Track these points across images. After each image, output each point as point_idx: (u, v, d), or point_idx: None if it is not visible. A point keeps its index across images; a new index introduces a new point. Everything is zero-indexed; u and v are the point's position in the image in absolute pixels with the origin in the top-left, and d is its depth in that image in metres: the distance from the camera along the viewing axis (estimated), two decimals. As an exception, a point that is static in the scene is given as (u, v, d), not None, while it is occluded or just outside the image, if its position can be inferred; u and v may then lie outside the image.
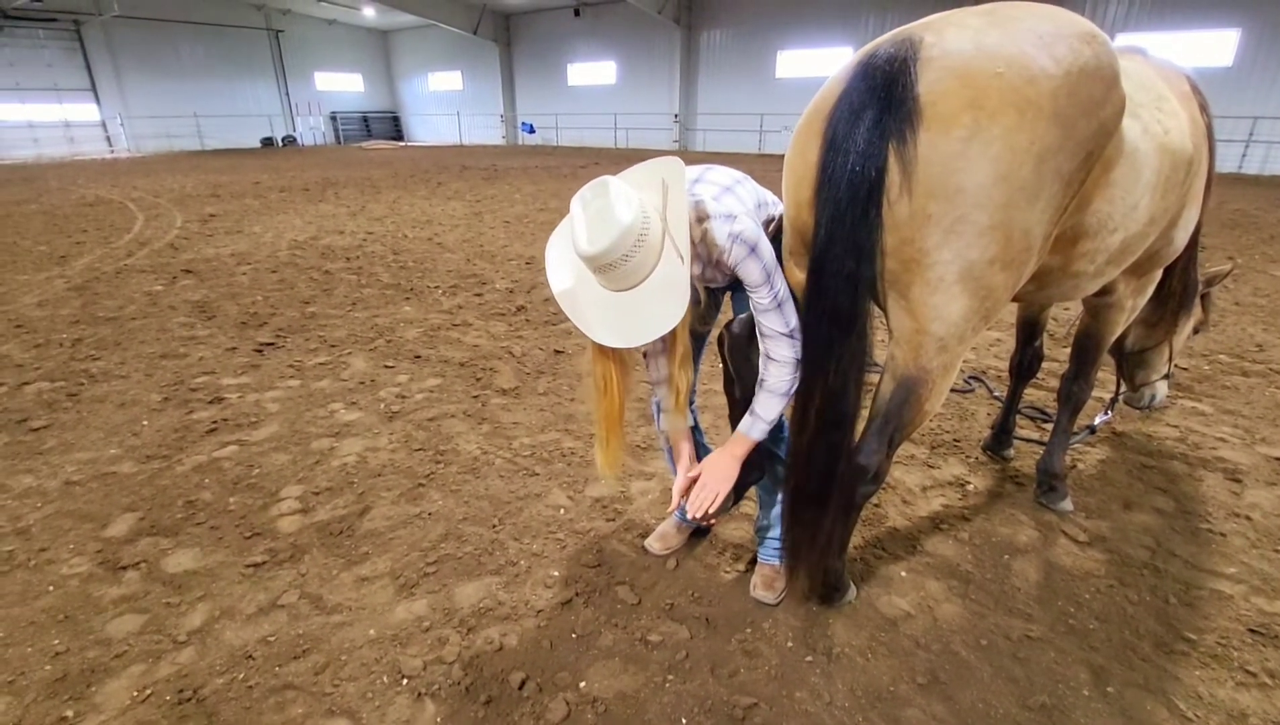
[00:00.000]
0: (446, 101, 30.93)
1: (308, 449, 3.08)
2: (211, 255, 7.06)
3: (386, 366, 4.05)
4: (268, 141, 27.77)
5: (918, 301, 1.52)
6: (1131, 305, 2.31)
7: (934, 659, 1.90)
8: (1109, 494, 2.72)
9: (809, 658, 1.90)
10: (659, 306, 1.51)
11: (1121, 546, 2.39)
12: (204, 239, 7.91)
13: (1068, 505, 2.59)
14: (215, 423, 3.31)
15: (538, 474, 2.87)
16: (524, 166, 17.30)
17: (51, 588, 2.18)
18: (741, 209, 1.64)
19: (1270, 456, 2.97)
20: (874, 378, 1.72)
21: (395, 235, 8.16)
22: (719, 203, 1.63)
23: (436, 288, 5.82)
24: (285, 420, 3.35)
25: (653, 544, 2.36)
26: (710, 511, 1.77)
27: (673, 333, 1.64)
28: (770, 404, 1.71)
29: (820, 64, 20.01)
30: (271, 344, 4.42)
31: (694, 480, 1.92)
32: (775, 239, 1.75)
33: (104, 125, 24.04)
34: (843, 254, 1.45)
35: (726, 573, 2.26)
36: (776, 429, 2.02)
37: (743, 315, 1.88)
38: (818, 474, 1.69)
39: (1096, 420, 2.96)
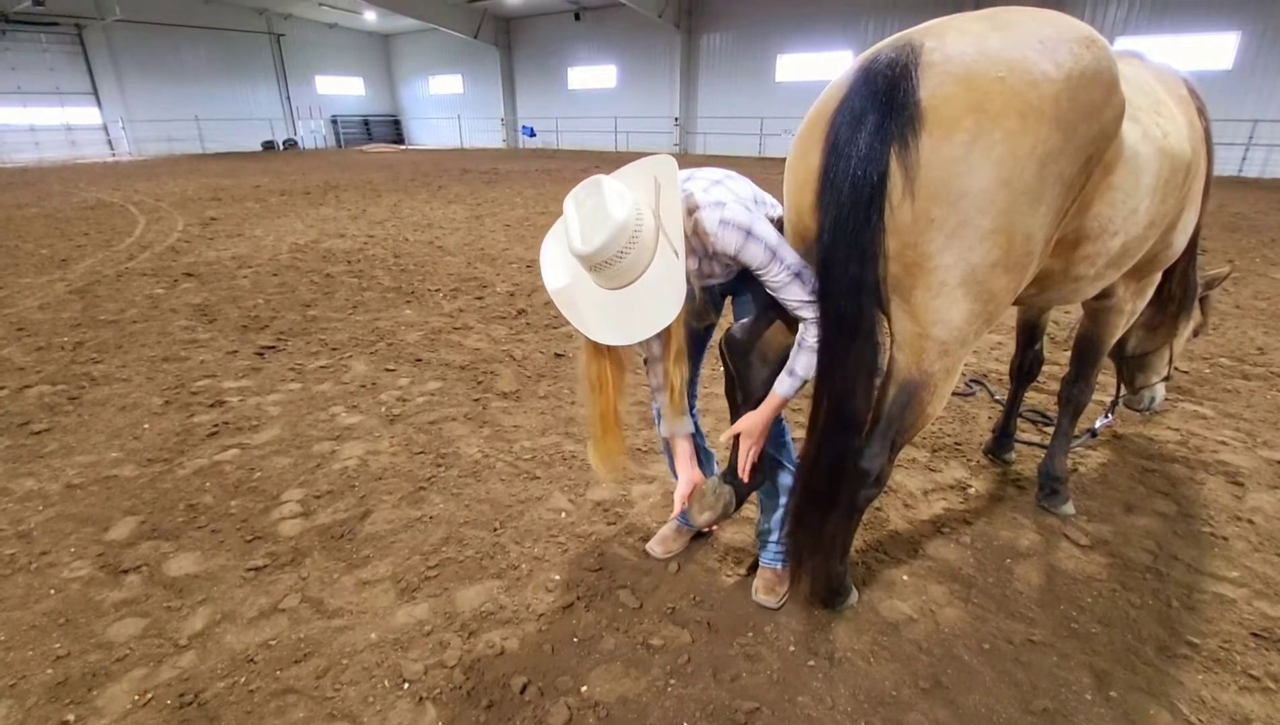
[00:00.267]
0: (447, 105, 30.98)
1: (309, 452, 3.07)
2: (213, 258, 7.07)
3: (387, 370, 4.05)
4: (269, 145, 27.81)
5: (920, 305, 1.52)
6: (1131, 308, 2.31)
7: (936, 663, 1.89)
8: (1111, 497, 2.72)
9: (811, 662, 1.90)
10: (654, 303, 1.51)
11: (1123, 550, 2.39)
12: (205, 242, 7.92)
13: (1069, 509, 2.58)
14: (216, 426, 3.31)
15: (539, 477, 2.87)
16: (524, 170, 17.32)
17: (53, 591, 2.18)
18: (731, 198, 1.63)
19: (1272, 460, 2.97)
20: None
21: (396, 238, 8.17)
22: (708, 194, 1.62)
23: (437, 291, 5.83)
24: (286, 423, 3.36)
25: (654, 548, 2.35)
26: (752, 467, 1.80)
27: (668, 330, 1.64)
28: (809, 362, 1.68)
29: (820, 68, 20.04)
30: (272, 347, 4.42)
31: (696, 486, 1.92)
32: None
33: (105, 129, 24.08)
34: (846, 258, 1.46)
35: (728, 576, 2.25)
36: (778, 434, 2.02)
37: (744, 320, 1.88)
38: (826, 477, 1.68)
39: (1097, 424, 2.95)
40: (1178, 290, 2.55)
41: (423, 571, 2.27)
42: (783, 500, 2.09)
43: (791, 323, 1.76)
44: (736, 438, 1.83)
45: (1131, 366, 2.92)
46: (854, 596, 2.09)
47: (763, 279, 1.63)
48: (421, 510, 2.63)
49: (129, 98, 24.21)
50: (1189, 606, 2.11)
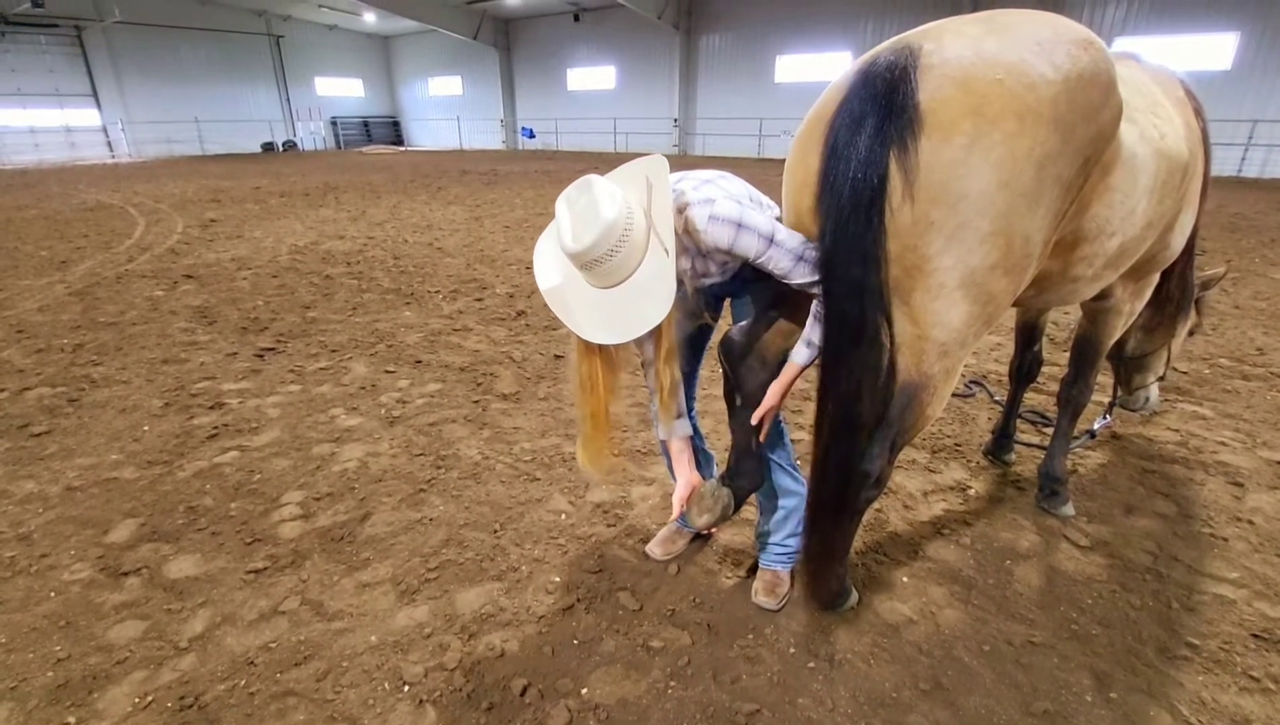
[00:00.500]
0: (446, 106, 31.00)
1: (308, 454, 3.07)
2: (212, 260, 7.07)
3: (387, 371, 4.05)
4: (268, 146, 27.82)
5: (919, 307, 1.52)
6: (1129, 309, 2.32)
7: (937, 665, 1.89)
8: (1110, 498, 2.72)
9: (811, 664, 1.90)
10: (645, 301, 1.52)
11: (1123, 551, 2.39)
12: (205, 244, 7.93)
13: (1069, 510, 2.59)
14: (216, 428, 3.31)
15: (539, 479, 2.87)
16: (524, 171, 17.33)
17: (53, 594, 2.18)
18: (722, 195, 1.63)
19: (1272, 460, 2.97)
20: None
21: (395, 240, 8.17)
22: (698, 192, 1.62)
23: (437, 293, 5.83)
24: (286, 425, 3.36)
25: (654, 549, 2.35)
26: (763, 434, 1.82)
27: (659, 329, 1.64)
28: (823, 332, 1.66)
29: (819, 69, 20.06)
30: (272, 349, 4.42)
31: (695, 489, 1.92)
32: None
33: (105, 130, 24.09)
34: (848, 261, 1.46)
35: (728, 578, 2.25)
36: (778, 435, 2.02)
37: (742, 323, 1.88)
38: (834, 484, 1.68)
39: (1095, 425, 2.96)
40: (1176, 291, 2.56)
41: (423, 574, 2.27)
42: (781, 502, 2.09)
43: (790, 326, 1.76)
44: (734, 425, 1.84)
45: (1129, 367, 2.92)
46: (854, 598, 2.09)
47: (767, 269, 1.61)
48: (421, 512, 2.63)
49: (128, 99, 24.23)
50: (1189, 608, 2.11)
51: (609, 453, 1.84)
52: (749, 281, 1.85)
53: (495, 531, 2.51)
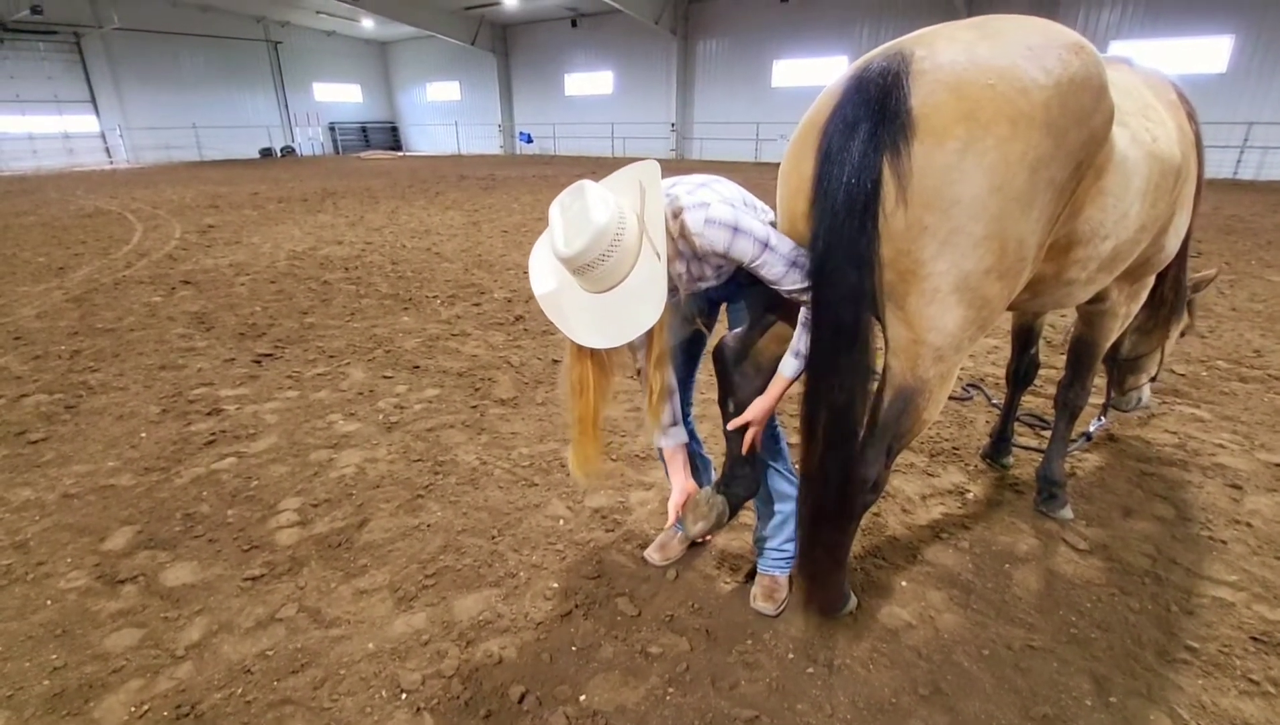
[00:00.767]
0: (444, 111, 31.06)
1: (306, 460, 3.07)
2: (210, 266, 7.07)
3: (385, 377, 4.05)
4: (266, 152, 27.84)
5: (914, 312, 1.53)
6: (1125, 312, 2.32)
7: (936, 670, 1.89)
8: (1109, 501, 2.72)
9: (810, 669, 1.90)
10: (637, 305, 1.53)
11: (1122, 554, 2.39)
12: (202, 250, 7.92)
13: (1068, 513, 2.58)
14: (213, 434, 3.31)
15: (537, 484, 2.86)
16: (522, 176, 17.36)
17: (49, 602, 2.17)
18: (716, 198, 1.64)
19: (1270, 462, 2.97)
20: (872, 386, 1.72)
21: (393, 245, 8.17)
22: (692, 196, 1.63)
23: (435, 298, 5.83)
24: (284, 431, 3.35)
25: (652, 555, 2.35)
26: (753, 445, 1.82)
27: (650, 332, 1.64)
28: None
29: (816, 73, 20.13)
30: (270, 355, 4.42)
31: (690, 496, 1.91)
32: None
33: (103, 136, 24.11)
34: (843, 265, 1.46)
35: (726, 583, 2.25)
36: (774, 440, 2.02)
37: (737, 330, 1.88)
38: (833, 490, 1.68)
39: (1091, 427, 2.97)
40: (1170, 293, 2.57)
41: (420, 580, 2.26)
42: (778, 507, 2.09)
43: (785, 332, 1.76)
44: (728, 432, 1.84)
45: (1123, 368, 2.94)
46: (852, 603, 2.09)
47: (760, 274, 1.62)
48: (419, 518, 2.62)
49: (127, 106, 24.27)
50: (1188, 611, 2.11)
51: (599, 458, 1.85)
52: (744, 286, 1.85)
53: (493, 537, 2.50)
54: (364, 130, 32.23)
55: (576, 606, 2.14)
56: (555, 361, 4.29)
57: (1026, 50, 1.42)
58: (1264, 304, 5.39)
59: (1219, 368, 4.08)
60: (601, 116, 25.85)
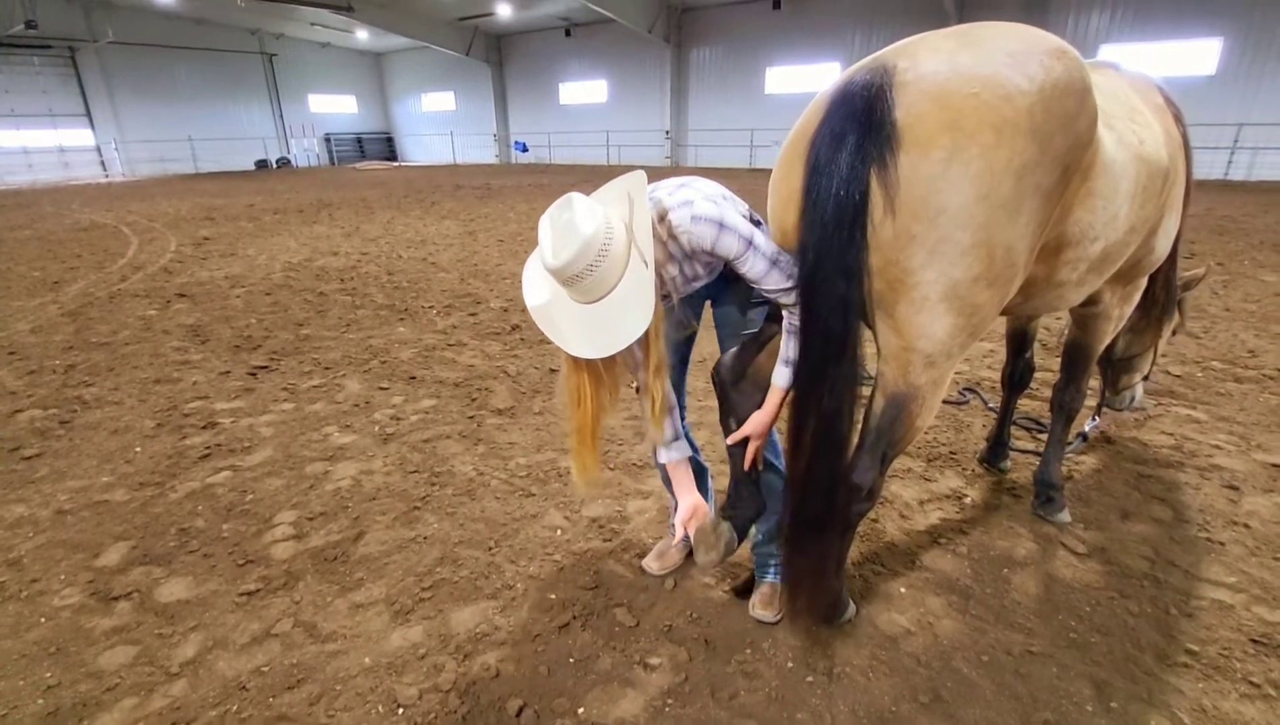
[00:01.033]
0: (440, 121, 31.13)
1: (302, 473, 3.06)
2: (205, 278, 7.06)
3: (381, 388, 4.04)
4: (262, 164, 27.87)
5: (904, 320, 1.53)
6: (1119, 314, 2.33)
7: (935, 677, 1.88)
8: (1106, 504, 2.72)
9: (809, 678, 1.89)
10: (626, 314, 1.53)
11: (1121, 557, 2.38)
12: (198, 262, 7.92)
13: (1065, 516, 2.58)
14: (209, 448, 3.29)
15: (534, 494, 2.85)
16: (517, 185, 17.39)
17: (43, 619, 2.16)
18: (699, 196, 1.65)
19: (1267, 463, 2.98)
20: (867, 389, 1.72)
21: (389, 256, 8.17)
22: (674, 196, 1.64)
23: (431, 308, 5.83)
24: (279, 444, 3.34)
25: (650, 564, 2.34)
26: (756, 462, 1.84)
27: (646, 342, 1.65)
28: (799, 345, 1.69)
29: (809, 79, 20.22)
30: (265, 367, 4.41)
31: (700, 527, 1.88)
32: None
33: (99, 150, 24.13)
34: (832, 276, 1.47)
35: (724, 592, 2.24)
36: (770, 451, 2.01)
37: (733, 349, 1.89)
38: (817, 498, 1.68)
39: (1086, 427, 2.98)
40: (1161, 294, 2.60)
41: (417, 593, 2.25)
42: (775, 513, 2.08)
43: (779, 346, 1.76)
44: (730, 449, 1.85)
45: (1117, 368, 2.95)
46: (851, 611, 2.08)
47: (741, 271, 1.64)
48: (415, 530, 2.61)
49: (122, 119, 24.30)
50: (1187, 613, 2.11)
51: (598, 467, 1.85)
52: (730, 283, 1.87)
53: (490, 549, 2.49)
54: (359, 141, 32.29)
55: (574, 617, 2.12)
56: (553, 371, 4.29)
57: (1008, 57, 1.43)
58: (1257, 304, 5.41)
59: (1214, 368, 4.09)
60: (596, 125, 25.93)
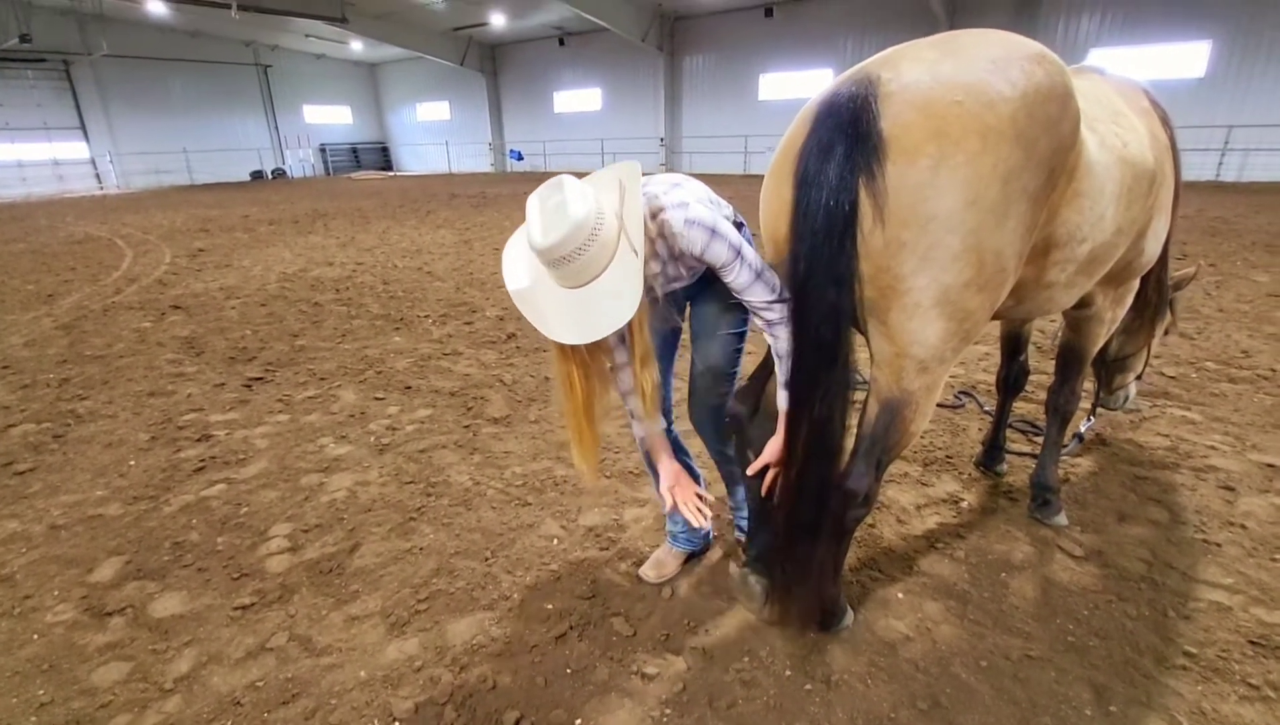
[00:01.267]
0: (435, 131, 31.21)
1: (297, 485, 3.04)
2: (200, 290, 7.05)
3: (377, 398, 4.03)
4: (257, 175, 27.90)
5: (896, 326, 1.54)
6: (1111, 316, 2.35)
7: (934, 682, 1.87)
8: (1103, 506, 2.72)
9: (808, 686, 1.88)
10: (612, 302, 1.50)
11: (1118, 560, 2.38)
12: (193, 274, 7.91)
13: (1062, 519, 2.58)
14: (203, 461, 3.28)
15: (530, 504, 2.84)
16: (513, 193, 17.42)
17: (36, 636, 2.14)
18: (693, 198, 1.66)
19: (1262, 463, 2.98)
20: (860, 394, 1.73)
21: (385, 265, 8.17)
22: (669, 196, 1.64)
23: (426, 317, 5.82)
24: (274, 456, 3.32)
25: (647, 572, 2.33)
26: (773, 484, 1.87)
27: (631, 333, 1.64)
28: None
29: (802, 86, 20.35)
30: (260, 379, 4.39)
31: (676, 476, 1.94)
32: None
33: (93, 163, 24.13)
34: (823, 285, 1.48)
35: (721, 599, 2.23)
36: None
37: (741, 386, 1.96)
38: (810, 505, 1.68)
39: (1082, 427, 2.99)
40: (1153, 294, 2.62)
41: (413, 605, 2.23)
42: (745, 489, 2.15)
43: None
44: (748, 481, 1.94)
45: (1112, 368, 2.97)
46: (849, 617, 2.07)
47: (726, 279, 1.65)
48: (411, 541, 2.60)
49: (117, 131, 24.31)
50: (1185, 616, 2.11)
51: (593, 451, 1.83)
52: (710, 285, 1.88)
53: (486, 559, 2.48)
54: (355, 151, 32.35)
55: (571, 628, 2.11)
56: (548, 378, 4.28)
57: (990, 64, 1.45)
58: (1250, 305, 5.44)
59: (1208, 369, 4.11)
60: (591, 133, 26.02)
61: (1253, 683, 1.84)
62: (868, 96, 1.43)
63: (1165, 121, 2.13)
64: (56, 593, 2.34)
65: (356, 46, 27.47)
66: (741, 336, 2.01)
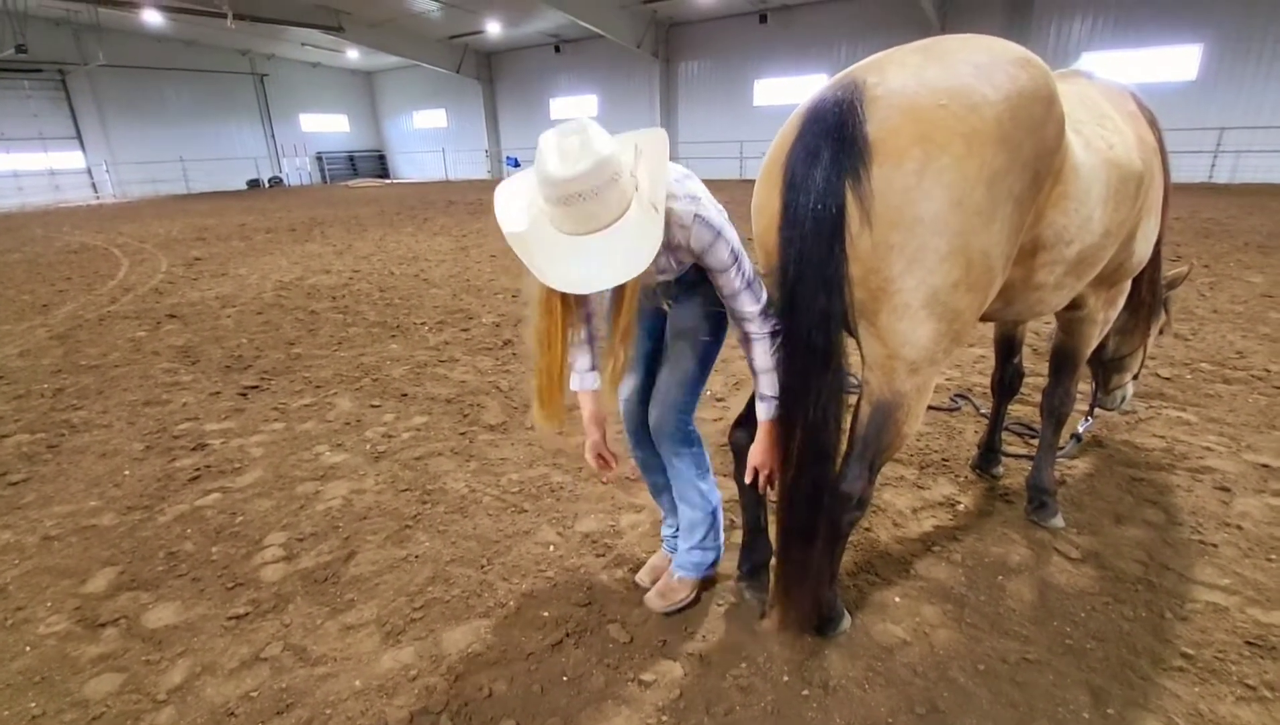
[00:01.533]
0: (431, 139, 31.26)
1: (292, 494, 3.03)
2: (196, 299, 7.04)
3: (373, 406, 4.02)
4: (254, 183, 27.89)
5: (886, 328, 1.55)
6: (1104, 318, 2.35)
7: (932, 687, 1.87)
8: (1099, 508, 2.72)
9: (805, 691, 1.87)
10: (620, 255, 1.41)
11: (1115, 562, 2.38)
12: (189, 283, 7.90)
13: (1059, 521, 2.58)
14: (198, 470, 3.27)
15: (526, 511, 2.84)
16: (510, 199, 17.39)
17: (28, 648, 2.12)
18: (703, 194, 1.63)
19: (1257, 463, 2.99)
20: (853, 398, 1.73)
21: (382, 272, 8.17)
22: (681, 186, 1.61)
23: (423, 324, 5.82)
24: (269, 465, 3.31)
25: (644, 578, 2.32)
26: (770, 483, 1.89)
27: (619, 302, 1.59)
28: (772, 381, 1.70)
29: (797, 91, 20.43)
30: (256, 387, 4.38)
31: (595, 447, 2.00)
32: None
33: (89, 172, 24.11)
34: (814, 290, 1.49)
35: (719, 605, 2.22)
36: (684, 444, 2.04)
37: (740, 417, 1.99)
38: (805, 509, 1.68)
39: (1080, 428, 2.99)
40: (1147, 295, 2.63)
41: (408, 613, 2.22)
42: (685, 512, 2.14)
43: None
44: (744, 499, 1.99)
45: (1109, 369, 2.98)
46: (846, 621, 2.07)
47: (718, 282, 1.64)
48: (407, 549, 2.58)
49: (113, 141, 24.31)
50: (1182, 617, 2.10)
51: (563, 410, 1.77)
52: (688, 288, 1.86)
53: (482, 566, 2.47)
54: (351, 159, 32.37)
55: (567, 635, 2.10)
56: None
57: (974, 69, 1.47)
58: (1244, 305, 5.46)
59: (1203, 370, 4.12)
60: (587, 139, 26.07)
61: (1249, 683, 1.84)
62: (853, 101, 1.45)
63: (1153, 124, 2.14)
64: (49, 604, 2.33)
65: (353, 55, 27.53)
66: (715, 347, 1.96)
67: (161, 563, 2.55)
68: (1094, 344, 2.43)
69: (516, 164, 28.57)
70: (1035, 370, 4.00)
